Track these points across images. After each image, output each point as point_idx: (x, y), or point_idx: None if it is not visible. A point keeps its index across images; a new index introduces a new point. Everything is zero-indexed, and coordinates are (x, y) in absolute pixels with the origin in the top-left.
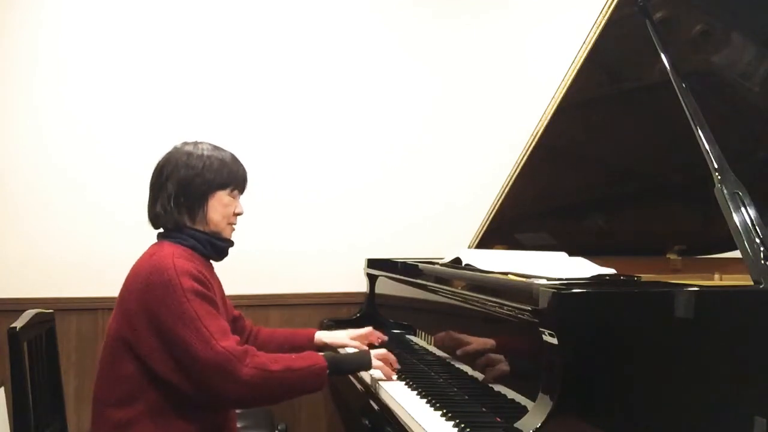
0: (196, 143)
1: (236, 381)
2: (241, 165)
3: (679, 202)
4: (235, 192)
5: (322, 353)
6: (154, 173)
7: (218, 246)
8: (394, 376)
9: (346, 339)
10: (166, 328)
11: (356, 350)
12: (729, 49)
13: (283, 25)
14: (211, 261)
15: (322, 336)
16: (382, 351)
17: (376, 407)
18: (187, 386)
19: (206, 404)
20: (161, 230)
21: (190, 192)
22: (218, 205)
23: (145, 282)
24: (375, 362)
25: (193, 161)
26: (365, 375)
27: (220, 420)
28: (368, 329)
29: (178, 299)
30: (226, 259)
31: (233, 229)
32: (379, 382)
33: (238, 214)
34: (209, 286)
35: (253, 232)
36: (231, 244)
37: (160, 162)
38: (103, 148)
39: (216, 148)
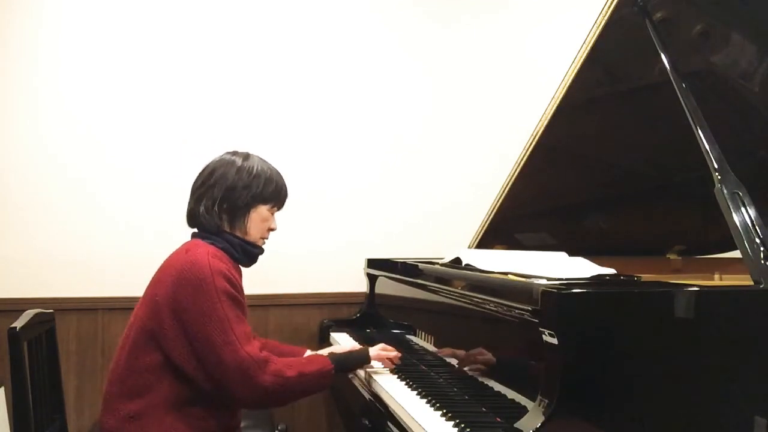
0: (247, 155)
1: (255, 386)
2: (285, 184)
3: (679, 202)
4: (275, 209)
5: (326, 355)
6: (201, 175)
7: (250, 252)
8: (395, 375)
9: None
10: (194, 325)
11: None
12: (729, 49)
13: (285, 25)
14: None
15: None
16: (380, 345)
17: (376, 407)
18: (207, 383)
19: (218, 400)
20: (195, 230)
21: (234, 200)
22: (258, 218)
23: (178, 276)
24: (373, 354)
25: (243, 173)
26: (364, 374)
27: (229, 418)
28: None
29: (211, 298)
30: None
31: (264, 243)
32: (379, 383)
33: (272, 229)
34: (240, 290)
35: None
36: (262, 251)
37: (209, 166)
38: (104, 149)
39: (265, 163)
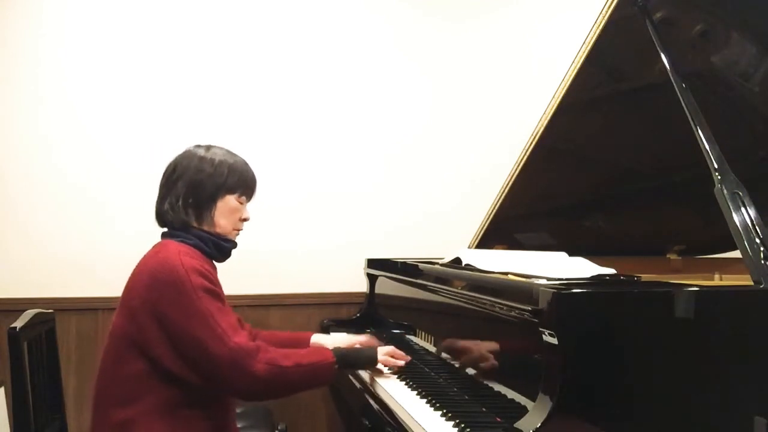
0: (209, 147)
1: (249, 376)
2: (252, 172)
3: (679, 202)
4: (243, 198)
5: (331, 348)
6: (165, 172)
7: (222, 246)
8: (395, 375)
9: (342, 344)
10: (177, 327)
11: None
12: (729, 49)
13: (286, 27)
14: (214, 262)
15: (318, 340)
16: (389, 348)
17: (376, 407)
18: (198, 381)
19: (211, 401)
20: (165, 229)
21: (199, 193)
22: (226, 209)
23: (151, 280)
24: (381, 357)
25: (205, 164)
26: (365, 374)
27: (222, 419)
28: (366, 337)
29: (189, 297)
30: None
31: (238, 235)
32: (379, 382)
33: (245, 220)
34: (216, 282)
35: (253, 232)
36: (234, 245)
37: (172, 162)
38: (104, 149)
39: (229, 153)
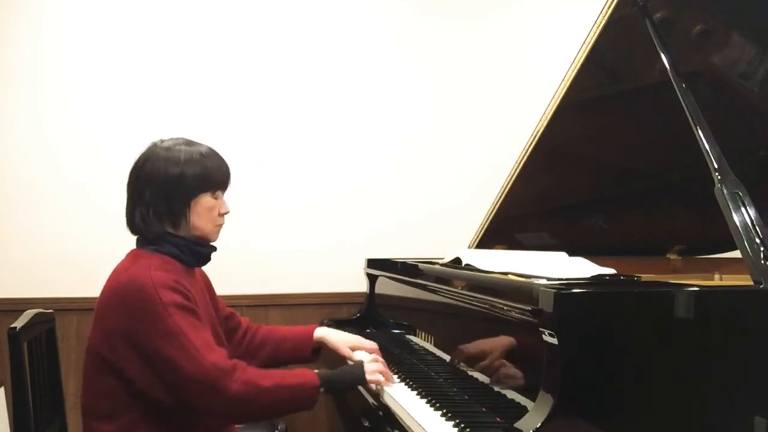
0: (174, 143)
1: (224, 397)
2: (223, 162)
3: (679, 202)
4: (218, 193)
5: (315, 371)
6: (131, 175)
7: (199, 252)
8: (396, 378)
9: (345, 348)
10: (149, 346)
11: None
12: (729, 49)
13: (285, 26)
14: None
15: (323, 334)
16: (376, 363)
17: (375, 407)
18: (172, 402)
19: (194, 416)
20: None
21: (170, 199)
22: (202, 209)
23: (122, 299)
24: (369, 377)
25: (171, 166)
26: None
27: (215, 426)
28: (374, 346)
29: (160, 316)
30: (227, 258)
31: (220, 230)
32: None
33: (224, 213)
34: (190, 296)
35: (252, 232)
36: (213, 249)
37: (137, 163)
38: (104, 149)
39: (192, 144)
